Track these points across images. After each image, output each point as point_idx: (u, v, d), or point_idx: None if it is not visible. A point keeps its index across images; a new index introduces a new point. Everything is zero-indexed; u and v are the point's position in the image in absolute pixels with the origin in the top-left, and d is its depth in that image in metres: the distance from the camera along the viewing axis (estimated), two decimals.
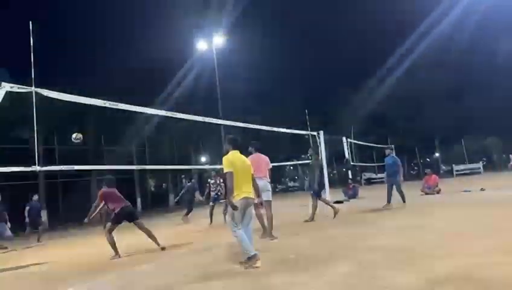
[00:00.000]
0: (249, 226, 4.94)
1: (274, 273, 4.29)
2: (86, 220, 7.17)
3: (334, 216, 8.70)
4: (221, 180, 11.63)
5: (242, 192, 4.75)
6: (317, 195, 8.74)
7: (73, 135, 7.20)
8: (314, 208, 8.76)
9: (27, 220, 11.35)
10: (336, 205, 9.06)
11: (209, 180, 11.89)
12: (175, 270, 5.17)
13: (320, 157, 9.83)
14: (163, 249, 7.04)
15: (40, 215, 12.12)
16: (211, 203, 11.43)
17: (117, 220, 7.01)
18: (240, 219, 4.73)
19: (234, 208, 4.67)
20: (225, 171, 4.72)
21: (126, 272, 5.51)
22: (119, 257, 6.78)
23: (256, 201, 5.10)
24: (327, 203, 9.01)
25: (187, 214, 12.80)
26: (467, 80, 28.15)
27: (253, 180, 5.05)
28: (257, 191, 5.16)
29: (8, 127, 17.64)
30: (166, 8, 26.51)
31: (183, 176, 35.29)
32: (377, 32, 31.60)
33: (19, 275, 6.20)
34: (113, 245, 6.88)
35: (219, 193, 11.37)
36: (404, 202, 10.24)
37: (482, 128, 28.69)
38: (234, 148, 4.98)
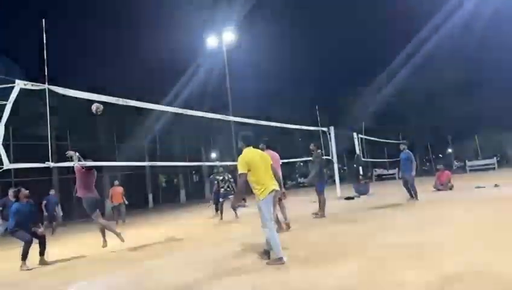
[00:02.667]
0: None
1: (285, 269, 4.31)
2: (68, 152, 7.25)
3: (315, 216, 8.71)
4: (230, 176, 11.61)
5: (268, 185, 4.67)
6: (321, 190, 8.72)
7: (93, 107, 7.07)
8: (323, 203, 8.73)
9: (45, 213, 11.53)
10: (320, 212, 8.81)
11: (217, 177, 11.74)
12: (185, 266, 5.22)
13: (322, 152, 9.69)
14: (104, 247, 7.22)
15: (55, 209, 12.29)
16: (220, 200, 11.44)
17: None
18: (270, 215, 4.65)
19: (235, 209, 4.66)
20: (239, 172, 4.63)
21: (138, 267, 5.58)
22: (106, 244, 7.14)
23: (280, 193, 5.03)
24: (322, 202, 8.81)
25: (216, 208, 12.38)
26: (481, 75, 27.62)
27: (275, 172, 4.97)
28: (280, 182, 5.13)
29: (22, 124, 17.92)
30: (177, 5, 26.56)
31: (193, 172, 35.56)
32: (388, 28, 31.26)
33: (30, 270, 6.30)
34: (103, 230, 7.16)
35: (228, 189, 11.36)
36: (416, 198, 10.18)
37: (496, 124, 28.16)
38: (248, 145, 4.90)
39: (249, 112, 18.66)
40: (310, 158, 9.27)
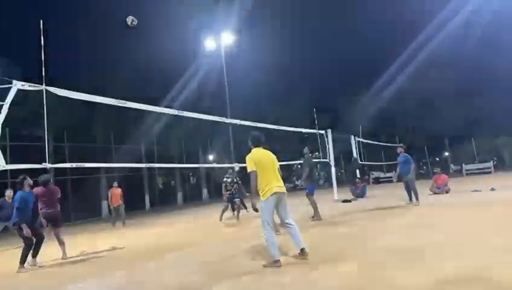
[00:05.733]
0: (292, 222, 4.75)
1: (282, 272, 4.30)
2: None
3: (312, 219, 8.69)
4: (238, 179, 11.36)
5: (272, 187, 4.62)
6: (311, 193, 8.73)
7: (128, 20, 6.94)
8: (315, 206, 8.73)
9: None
10: (319, 214, 8.78)
11: (225, 179, 11.32)
12: (183, 268, 5.20)
13: (318, 155, 9.76)
14: (63, 258, 7.01)
15: None
16: (225, 204, 11.19)
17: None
18: (271, 217, 4.62)
19: (256, 209, 4.60)
20: (248, 171, 4.63)
21: (136, 269, 5.56)
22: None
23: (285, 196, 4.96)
24: (313, 205, 8.81)
25: (234, 209, 11.88)
26: (478, 79, 27.79)
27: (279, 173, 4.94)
28: None
29: (20, 125, 17.85)
30: (175, 6, 26.57)
31: (191, 174, 35.48)
32: (387, 31, 31.41)
33: (27, 272, 6.25)
34: (62, 243, 7.03)
35: (234, 192, 11.06)
36: (417, 200, 10.16)
37: (492, 127, 28.32)
38: (256, 146, 4.89)
39: (247, 114, 18.68)
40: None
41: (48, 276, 5.80)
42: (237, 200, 11.06)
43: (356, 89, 31.87)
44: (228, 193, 11.00)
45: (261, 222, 4.66)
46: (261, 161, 4.69)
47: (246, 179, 11.56)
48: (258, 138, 4.97)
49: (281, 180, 4.81)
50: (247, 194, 11.09)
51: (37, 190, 6.93)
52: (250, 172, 4.61)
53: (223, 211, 11.11)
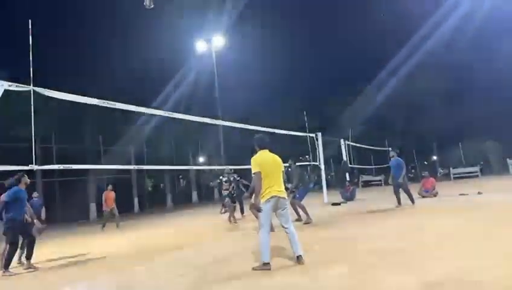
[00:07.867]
0: (291, 228, 4.70)
1: (272, 275, 4.30)
2: None
3: (303, 222, 8.68)
4: (236, 176, 11.22)
5: (272, 190, 4.60)
6: (300, 199, 8.80)
7: (146, 2, 6.99)
8: (303, 209, 8.76)
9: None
10: (304, 217, 8.79)
11: (221, 177, 11.16)
12: (172, 271, 5.16)
13: (308, 158, 9.82)
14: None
15: (40, 213, 12.00)
16: (226, 199, 11.01)
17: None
18: (267, 220, 4.60)
19: (259, 210, 4.57)
20: (253, 172, 4.62)
21: (125, 272, 5.50)
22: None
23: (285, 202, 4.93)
24: (301, 208, 8.84)
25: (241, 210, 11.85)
26: (466, 83, 28.19)
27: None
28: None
29: (6, 126, 17.56)
30: (166, 9, 26.45)
31: (180, 176, 35.31)
32: (377, 35, 31.68)
33: (11, 276, 6.13)
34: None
35: (233, 192, 10.91)
36: (400, 204, 10.26)
37: (480, 132, 28.72)
38: (262, 148, 4.86)
39: (237, 116, 18.67)
40: (299, 163, 9.35)
41: (35, 279, 5.71)
42: (234, 205, 10.96)
43: (346, 93, 32.06)
44: (227, 192, 10.90)
45: (258, 223, 4.66)
46: (266, 163, 4.68)
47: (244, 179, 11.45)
48: (263, 140, 4.94)
49: (283, 185, 4.80)
50: (246, 193, 11.03)
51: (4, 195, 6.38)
52: (254, 173, 4.59)
53: (231, 211, 10.85)
